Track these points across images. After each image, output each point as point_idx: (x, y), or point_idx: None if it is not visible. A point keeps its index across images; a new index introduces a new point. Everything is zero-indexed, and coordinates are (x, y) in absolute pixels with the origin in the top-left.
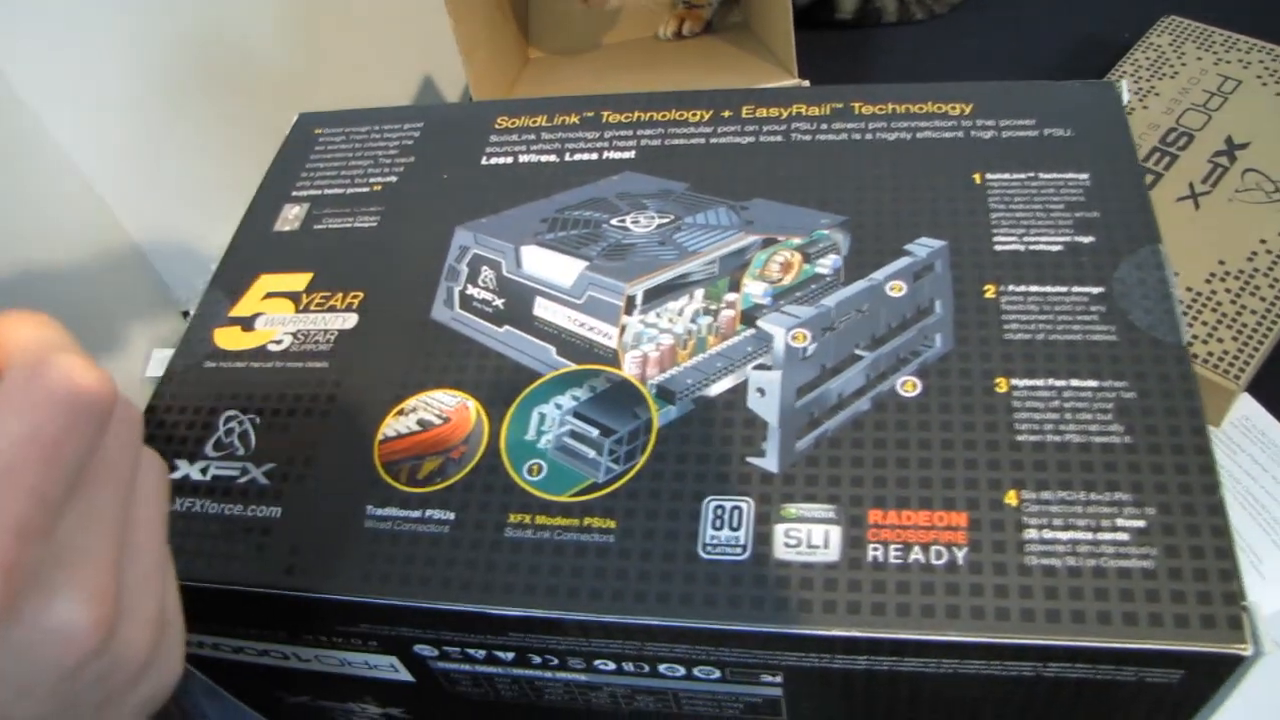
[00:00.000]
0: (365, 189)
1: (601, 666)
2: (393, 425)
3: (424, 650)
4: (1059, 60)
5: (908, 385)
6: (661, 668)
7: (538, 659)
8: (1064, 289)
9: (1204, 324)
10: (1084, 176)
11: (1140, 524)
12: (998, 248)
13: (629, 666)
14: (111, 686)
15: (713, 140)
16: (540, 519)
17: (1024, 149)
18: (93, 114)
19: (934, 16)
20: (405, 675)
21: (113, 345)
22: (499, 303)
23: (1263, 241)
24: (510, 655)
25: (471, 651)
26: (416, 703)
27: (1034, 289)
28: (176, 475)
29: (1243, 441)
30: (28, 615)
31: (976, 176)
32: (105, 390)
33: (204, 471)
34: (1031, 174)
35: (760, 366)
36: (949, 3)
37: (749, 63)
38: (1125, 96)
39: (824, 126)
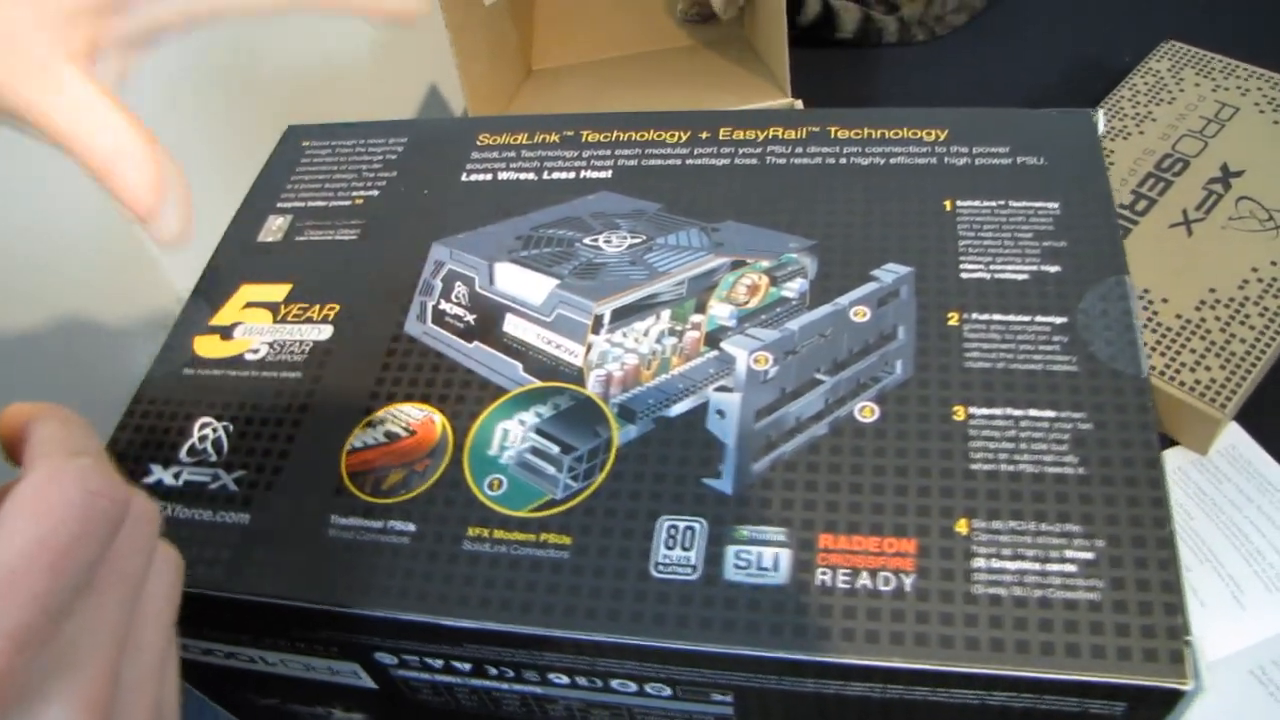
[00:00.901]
0: (347, 202)
1: (555, 680)
2: (360, 436)
3: (384, 658)
4: (1058, 83)
5: (865, 411)
6: (614, 683)
7: (494, 670)
8: (1027, 318)
9: (1192, 351)
10: (1054, 205)
11: (1089, 555)
12: (964, 275)
13: (582, 681)
14: None
15: (689, 161)
16: (498, 533)
17: (996, 177)
18: None
19: (935, 38)
20: (368, 682)
21: (117, 345)
22: (470, 318)
23: (1254, 270)
24: (467, 666)
25: (430, 661)
26: (380, 709)
27: (997, 318)
28: (150, 480)
29: (1229, 471)
30: None
31: (947, 203)
32: (118, 498)
33: (176, 476)
34: (1002, 202)
35: (721, 388)
36: (950, 24)
37: (746, 80)
38: (1101, 126)
39: (799, 150)
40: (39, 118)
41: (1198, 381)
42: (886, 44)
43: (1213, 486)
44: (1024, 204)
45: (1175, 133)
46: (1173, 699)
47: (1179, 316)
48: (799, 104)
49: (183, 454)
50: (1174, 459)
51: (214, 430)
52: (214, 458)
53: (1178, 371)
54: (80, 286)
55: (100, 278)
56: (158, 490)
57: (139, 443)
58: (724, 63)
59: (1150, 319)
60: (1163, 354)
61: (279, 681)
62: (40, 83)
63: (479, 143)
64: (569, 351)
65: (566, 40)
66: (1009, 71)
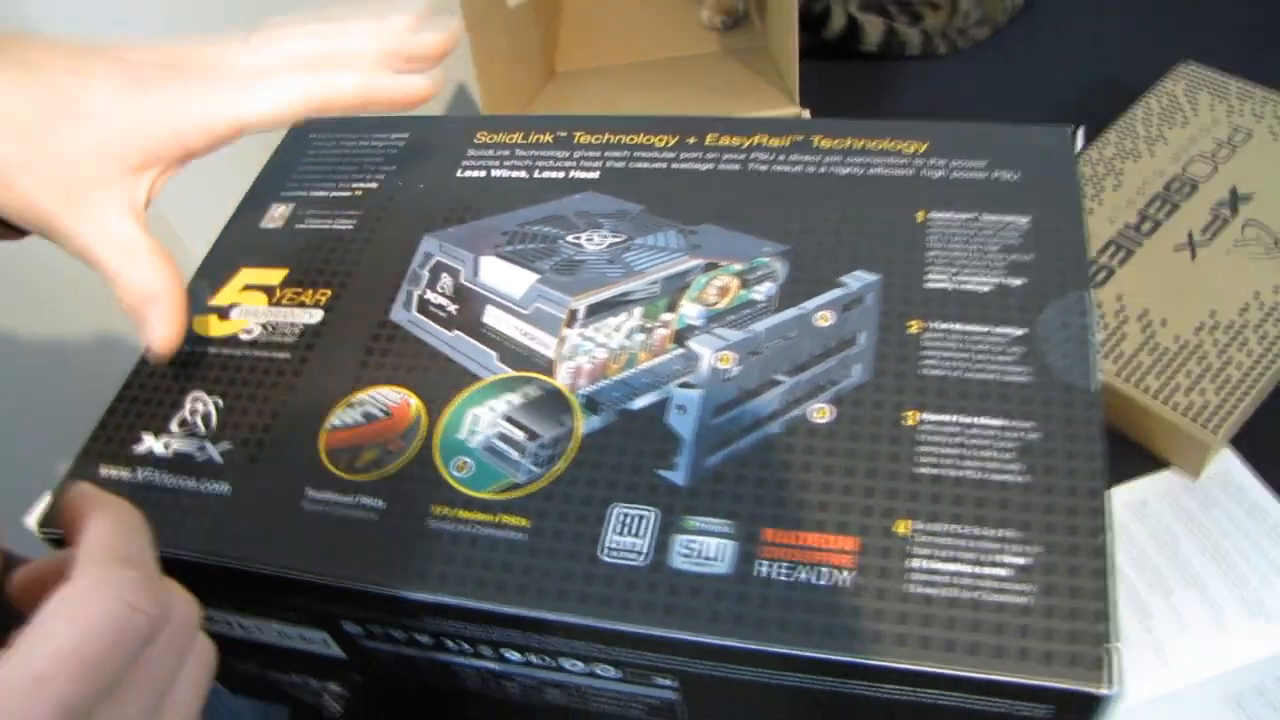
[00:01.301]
0: (348, 193)
1: (510, 656)
2: (340, 416)
3: (351, 628)
4: (1074, 100)
5: (820, 412)
6: (563, 662)
7: (452, 645)
8: (986, 329)
9: (1188, 374)
10: (1024, 220)
11: (1023, 561)
12: (928, 285)
13: (534, 659)
14: None
15: (674, 165)
16: (461, 513)
17: (970, 189)
18: None
19: (957, 51)
20: (337, 651)
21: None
22: (453, 309)
23: (1256, 294)
24: (428, 639)
25: (393, 633)
26: (350, 679)
27: (957, 327)
28: (140, 448)
29: (1219, 495)
30: None
31: (920, 214)
32: (155, 614)
33: (166, 446)
34: (974, 215)
35: (684, 384)
36: (972, 38)
37: (761, 89)
38: (1079, 144)
39: (781, 158)
40: (80, 247)
41: (1191, 404)
42: (910, 56)
43: (1202, 510)
44: (995, 217)
45: (1186, 155)
46: (1092, 703)
47: (1177, 338)
48: (806, 114)
49: (173, 425)
50: (1165, 481)
51: (204, 404)
52: (202, 430)
53: (1172, 394)
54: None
55: None
56: (147, 459)
57: (134, 412)
58: (743, 71)
59: (1148, 340)
60: (1158, 375)
61: (256, 648)
62: (88, 216)
63: (476, 141)
64: (543, 344)
65: (592, 43)
66: (1028, 86)
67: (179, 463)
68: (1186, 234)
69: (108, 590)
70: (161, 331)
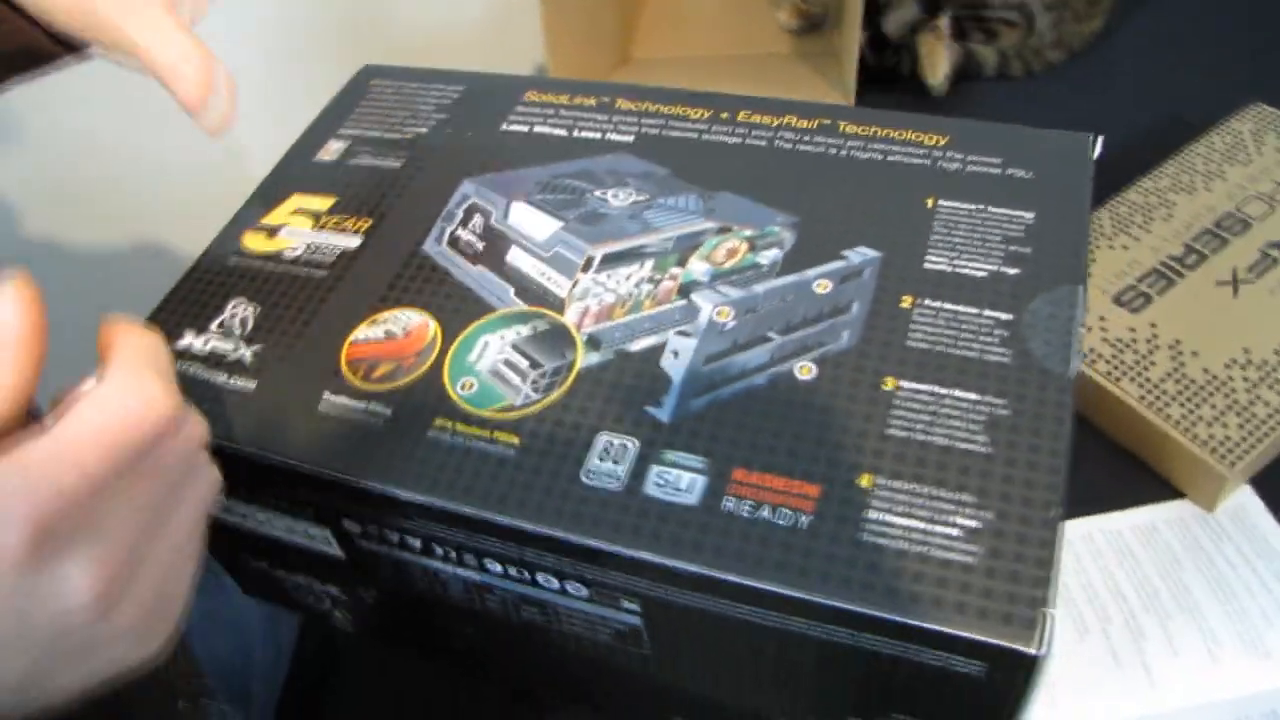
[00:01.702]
0: (398, 135)
1: (490, 567)
2: (364, 331)
3: (350, 526)
4: (1143, 131)
5: (804, 370)
6: (539, 577)
7: (439, 550)
8: (975, 311)
9: (1213, 408)
10: (1030, 215)
11: (974, 524)
12: (927, 265)
13: (512, 571)
14: (93, 653)
15: (705, 137)
16: (460, 426)
17: (982, 183)
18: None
19: (1031, 74)
20: (338, 551)
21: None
22: (480, 246)
23: None
24: (418, 542)
25: (387, 533)
26: (349, 583)
27: (947, 306)
28: (181, 343)
29: (1232, 530)
30: (45, 571)
31: (930, 201)
32: (171, 414)
33: (205, 344)
34: (981, 206)
35: (681, 333)
36: (1047, 60)
37: (823, 92)
38: (1096, 151)
39: (806, 138)
40: (133, 46)
41: (1211, 437)
42: (985, 78)
43: (1211, 543)
44: (1002, 210)
45: (1243, 193)
46: (1022, 662)
47: (1206, 371)
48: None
49: (213, 325)
50: (1178, 510)
51: (243, 309)
52: (238, 332)
53: (1194, 424)
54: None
55: (204, 202)
56: (186, 353)
57: (179, 312)
58: (811, 75)
59: (1176, 369)
60: (1182, 405)
61: (266, 545)
62: (139, 19)
63: (525, 98)
64: (558, 284)
65: (670, 33)
66: (1097, 114)
67: (214, 359)
68: (1231, 271)
69: (133, 385)
70: (215, 121)
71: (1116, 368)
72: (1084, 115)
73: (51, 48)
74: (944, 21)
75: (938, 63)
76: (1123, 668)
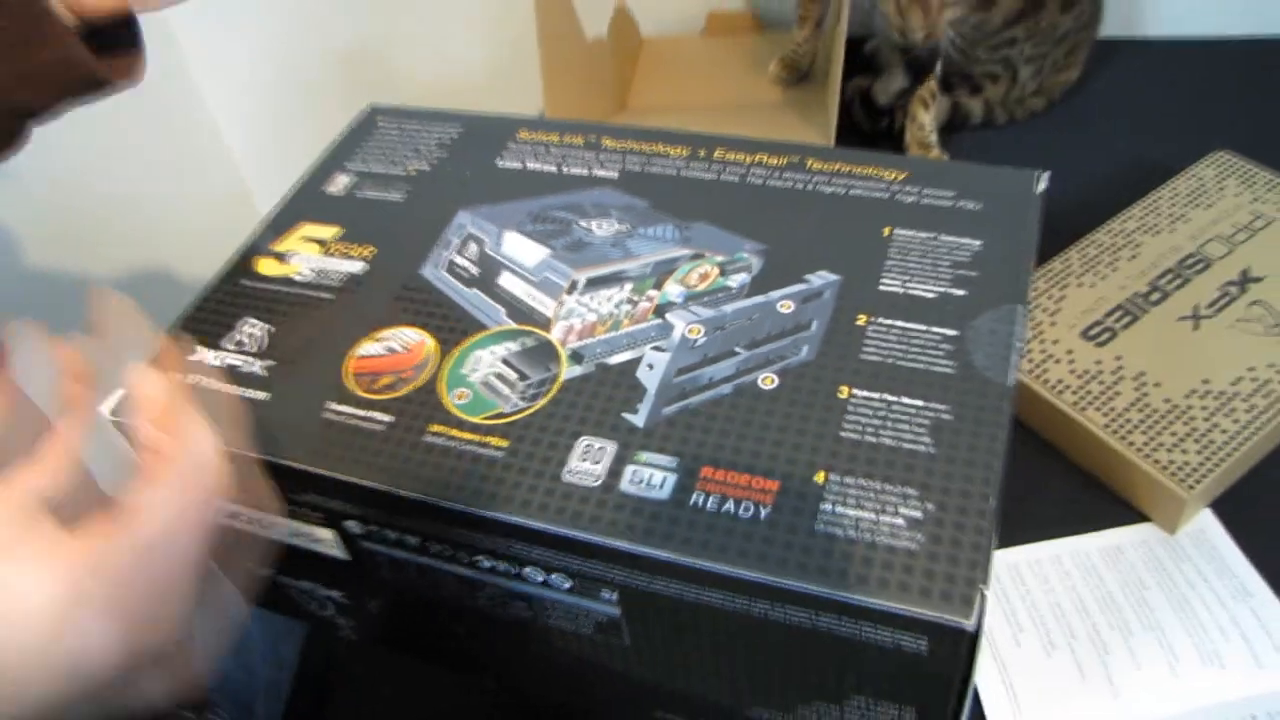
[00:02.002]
0: (402, 171)
1: (481, 563)
2: (366, 347)
3: (353, 527)
4: (1115, 174)
5: (767, 380)
6: (525, 570)
7: (435, 548)
8: (924, 328)
9: (1174, 434)
10: (978, 243)
11: (917, 515)
12: (881, 288)
13: (500, 566)
14: (120, 693)
15: (683, 173)
16: (454, 432)
17: (935, 214)
18: (240, 94)
19: (1014, 121)
20: (341, 553)
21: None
22: (475, 271)
23: (1251, 369)
24: (415, 540)
25: (387, 533)
26: (351, 586)
27: (899, 323)
28: (194, 358)
29: (1192, 551)
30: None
31: (886, 230)
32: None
33: (219, 359)
34: (934, 234)
35: (656, 348)
36: (1030, 108)
37: (808, 136)
38: (1041, 185)
39: (776, 174)
40: None
41: (1172, 461)
42: (972, 126)
43: (1173, 563)
44: (952, 239)
45: (1205, 235)
46: (960, 636)
47: (1168, 400)
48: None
49: (227, 343)
50: (1142, 533)
51: (255, 328)
52: (251, 349)
53: (1155, 450)
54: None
55: (210, 233)
56: (202, 367)
57: (196, 331)
58: (798, 124)
59: (1140, 399)
60: (1145, 433)
61: (274, 550)
62: None
63: (518, 137)
64: (544, 305)
65: (664, 84)
66: (1068, 159)
67: (229, 372)
68: (1193, 306)
69: (202, 482)
70: None
71: (1083, 398)
72: (1062, 160)
73: (105, 75)
74: (932, 81)
75: (922, 139)
76: (1088, 681)
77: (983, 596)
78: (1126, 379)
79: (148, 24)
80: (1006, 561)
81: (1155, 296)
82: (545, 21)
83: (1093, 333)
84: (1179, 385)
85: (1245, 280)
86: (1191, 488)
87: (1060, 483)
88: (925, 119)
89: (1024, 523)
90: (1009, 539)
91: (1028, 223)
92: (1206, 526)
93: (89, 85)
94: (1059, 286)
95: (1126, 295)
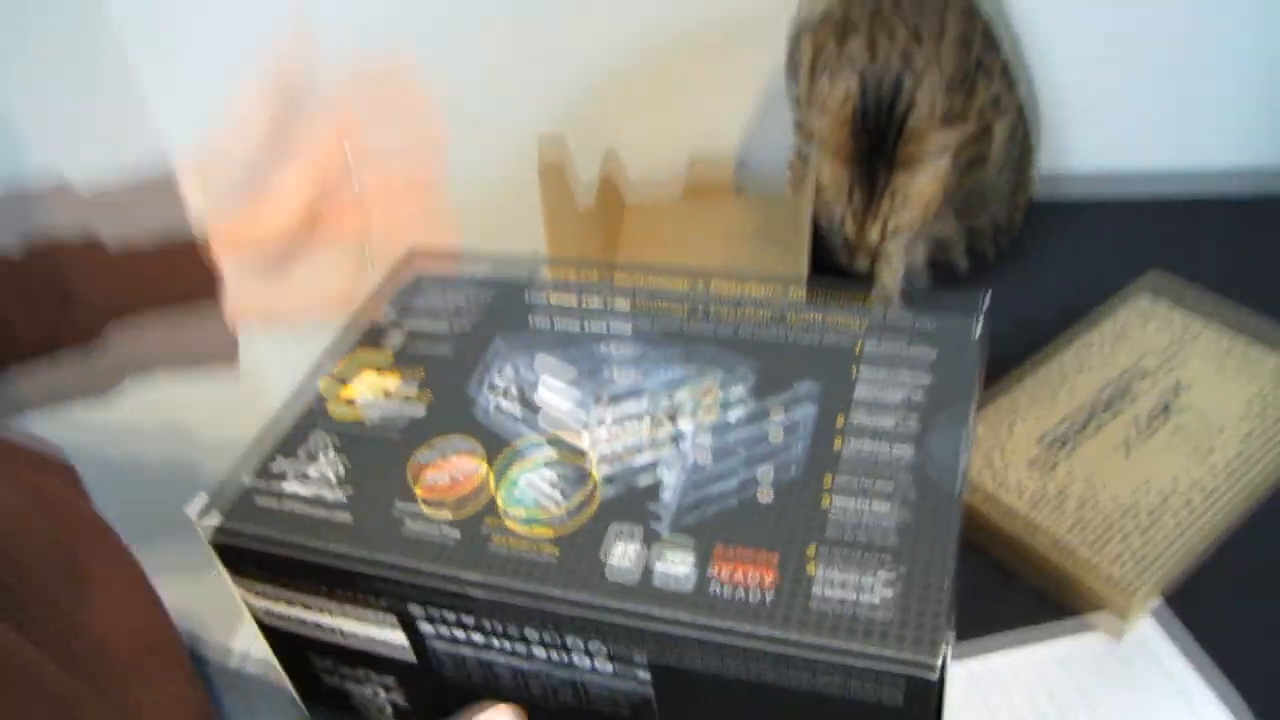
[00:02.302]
0: (446, 325)
1: (537, 654)
2: (424, 454)
3: (419, 620)
4: (1066, 297)
5: (764, 494)
6: (574, 658)
7: (497, 642)
8: (888, 447)
9: (1115, 548)
10: (933, 353)
11: (889, 591)
12: (855, 395)
13: (554, 655)
14: None
15: (686, 305)
16: (510, 541)
17: (894, 359)
18: None
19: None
20: (405, 643)
21: None
22: (512, 388)
23: (1174, 480)
24: (479, 637)
25: (453, 631)
26: (414, 686)
27: (867, 446)
28: (274, 467)
29: (1135, 656)
30: None
31: (857, 346)
32: None
33: (296, 469)
34: (900, 347)
35: (671, 459)
36: (1010, 238)
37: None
38: (985, 303)
39: (761, 324)
40: None
41: (1110, 576)
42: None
43: (1118, 668)
44: (907, 374)
45: (1139, 354)
46: (929, 685)
47: (1106, 519)
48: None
49: (309, 468)
50: (1087, 641)
51: (325, 446)
52: (322, 459)
53: (1099, 564)
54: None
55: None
56: (283, 492)
57: (282, 454)
58: (777, 254)
59: (1081, 519)
60: (1089, 547)
61: (340, 647)
62: None
63: (543, 272)
64: (573, 418)
65: (647, 244)
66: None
67: (311, 494)
68: (1128, 426)
69: None
70: None
71: (1031, 520)
72: (1018, 295)
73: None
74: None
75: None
76: None
77: (947, 646)
78: (1070, 499)
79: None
80: (962, 672)
81: (1093, 425)
82: (548, 196)
83: (1038, 461)
84: (1118, 503)
85: (1175, 395)
86: (1132, 595)
87: (1008, 594)
88: (887, 279)
89: (976, 633)
90: (962, 651)
91: (969, 341)
92: (1148, 633)
93: None
94: (1006, 422)
95: (1065, 426)
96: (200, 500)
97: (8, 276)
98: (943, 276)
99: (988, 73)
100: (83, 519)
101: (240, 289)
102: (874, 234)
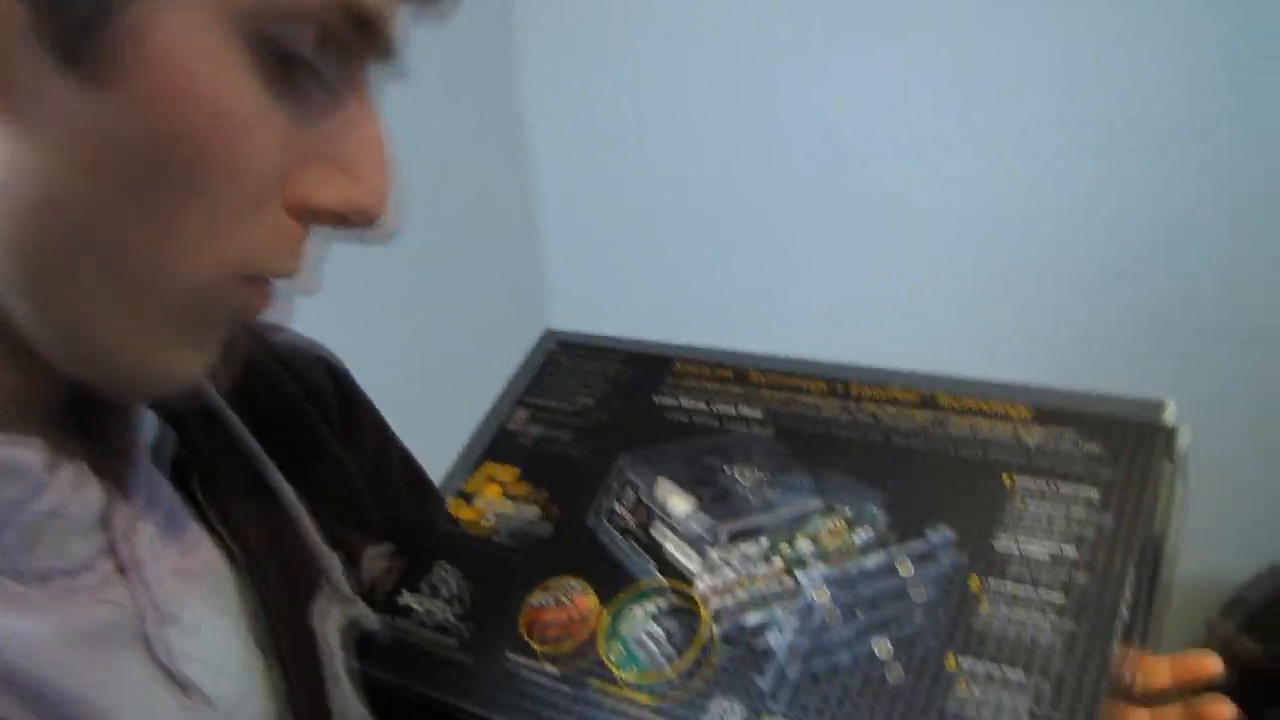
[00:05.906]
0: (570, 406)
1: None
2: (538, 597)
3: None
4: None
5: (882, 648)
6: None
7: None
8: (1033, 590)
9: None
10: (1095, 493)
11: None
12: (996, 545)
13: None
14: None
15: (822, 412)
16: (611, 688)
17: (1056, 458)
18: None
19: None
20: None
21: None
22: (631, 520)
23: None
24: None
25: None
26: None
27: (1009, 586)
28: (400, 599)
29: None
30: None
31: (1007, 479)
32: None
33: (420, 604)
34: (1053, 484)
35: (785, 610)
36: None
37: None
38: (1171, 414)
39: (905, 410)
40: None
41: None
42: None
43: None
44: (1071, 487)
45: None
46: None
47: None
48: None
49: (424, 586)
50: None
51: (450, 576)
52: (444, 595)
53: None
54: None
55: None
56: (400, 609)
57: (401, 574)
58: None
59: None
60: None
61: None
62: None
63: (674, 370)
64: (690, 559)
65: None
66: None
67: (426, 616)
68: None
69: None
70: None
71: None
72: None
73: None
74: None
75: None
76: None
77: None
78: None
79: None
80: None
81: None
82: None
83: None
84: None
85: None
86: None
87: None
88: None
89: None
90: None
91: (1152, 461)
92: None
93: None
94: None
95: None
96: None
97: None
98: None
99: None
100: None
101: None
102: None
